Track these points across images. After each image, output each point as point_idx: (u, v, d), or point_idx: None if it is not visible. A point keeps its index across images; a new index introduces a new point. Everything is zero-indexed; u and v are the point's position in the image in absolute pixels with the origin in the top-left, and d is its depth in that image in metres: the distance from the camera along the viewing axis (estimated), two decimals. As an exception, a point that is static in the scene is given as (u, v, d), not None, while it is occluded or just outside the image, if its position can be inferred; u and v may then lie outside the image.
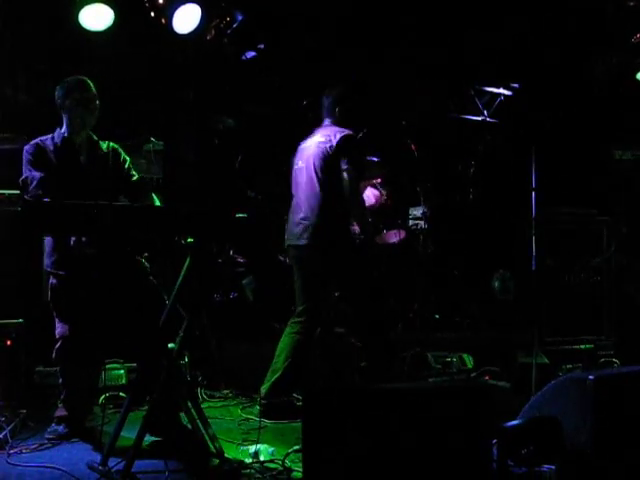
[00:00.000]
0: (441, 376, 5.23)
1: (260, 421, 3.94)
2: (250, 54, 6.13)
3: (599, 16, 5.85)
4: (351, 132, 4.47)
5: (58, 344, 3.86)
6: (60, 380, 3.94)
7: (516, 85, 6.93)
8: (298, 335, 4.38)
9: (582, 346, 5.65)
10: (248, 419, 4.30)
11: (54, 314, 3.87)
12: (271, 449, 3.42)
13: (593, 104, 6.45)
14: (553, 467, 2.92)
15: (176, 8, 5.04)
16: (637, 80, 6.13)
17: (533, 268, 4.83)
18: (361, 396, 2.84)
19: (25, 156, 3.77)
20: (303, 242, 4.44)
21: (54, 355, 3.89)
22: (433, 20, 6.11)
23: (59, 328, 3.84)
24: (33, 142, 3.84)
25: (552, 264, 5.36)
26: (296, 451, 3.32)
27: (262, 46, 6.08)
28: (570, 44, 6.10)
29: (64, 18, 4.99)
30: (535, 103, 6.63)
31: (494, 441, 2.91)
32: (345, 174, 4.36)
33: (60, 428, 3.83)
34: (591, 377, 2.97)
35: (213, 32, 5.72)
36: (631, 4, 5.77)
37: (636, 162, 5.95)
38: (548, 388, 3.18)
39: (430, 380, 5.08)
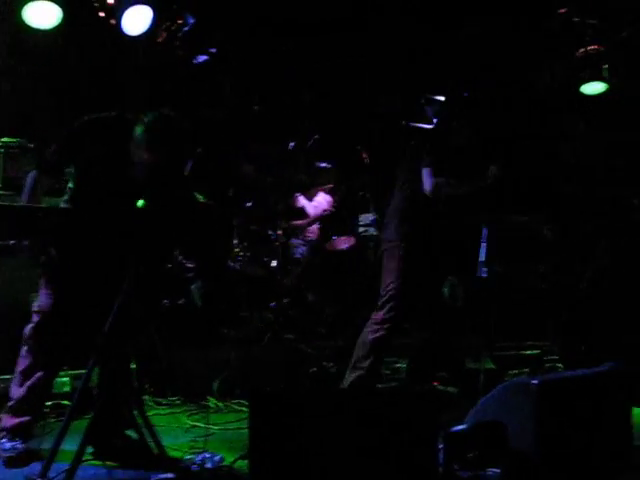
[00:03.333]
0: (390, 382, 5.26)
1: (207, 428, 3.90)
2: (202, 58, 6.09)
3: (547, 30, 5.98)
4: None
5: (34, 322, 3.47)
6: (16, 379, 3.51)
7: (466, 94, 7.01)
8: None
9: (529, 352, 5.76)
10: (195, 426, 4.24)
11: (41, 281, 3.52)
12: (218, 456, 3.38)
13: (540, 114, 6.59)
14: (498, 470, 2.96)
15: (126, 9, 4.96)
16: (581, 93, 6.28)
17: (481, 275, 4.90)
18: (308, 401, 2.84)
19: None
20: None
21: (25, 335, 3.50)
22: (385, 29, 6.15)
23: (42, 298, 3.46)
24: None
25: (500, 270, 5.43)
26: (243, 457, 3.29)
27: (214, 50, 6.04)
28: (519, 56, 6.22)
29: (8, 14, 4.88)
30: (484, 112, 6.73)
31: (441, 445, 2.94)
32: None
33: (17, 444, 3.42)
34: (535, 382, 3.02)
35: (164, 35, 5.66)
36: (576, 19, 5.91)
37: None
38: (493, 393, 3.21)
39: (379, 386, 5.09)
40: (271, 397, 2.82)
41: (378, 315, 4.55)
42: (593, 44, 6.04)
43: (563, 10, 5.77)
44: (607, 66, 6.11)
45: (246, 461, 3.03)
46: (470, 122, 4.87)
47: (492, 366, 5.02)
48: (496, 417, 3.07)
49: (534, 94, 6.55)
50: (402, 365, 5.49)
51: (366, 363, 4.47)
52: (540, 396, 2.97)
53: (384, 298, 4.55)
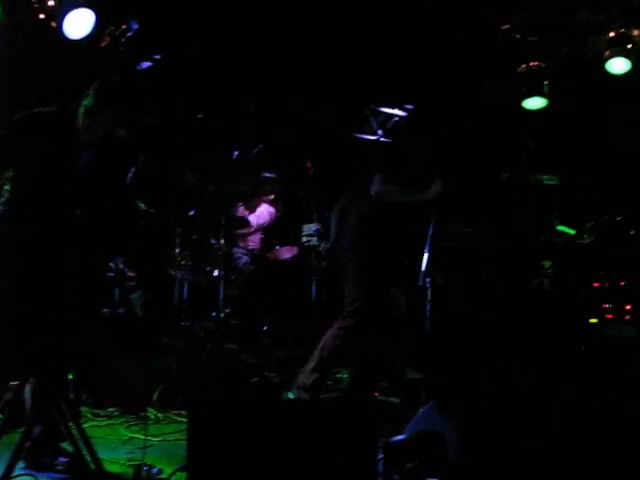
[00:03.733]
0: (332, 392, 5.26)
1: (146, 440, 3.82)
2: (145, 64, 6.01)
3: (489, 45, 6.10)
4: None
5: None
6: None
7: (410, 106, 7.10)
8: None
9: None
10: (134, 438, 4.16)
11: None
12: (156, 469, 3.32)
13: (483, 127, 6.70)
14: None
15: (67, 12, 4.87)
16: (522, 107, 6.42)
17: (423, 285, 4.94)
18: (248, 410, 2.82)
19: None
20: None
21: None
22: (330, 40, 6.18)
23: None
24: None
25: (441, 281, 5.49)
26: (181, 469, 3.24)
27: (158, 57, 5.97)
28: (463, 70, 6.32)
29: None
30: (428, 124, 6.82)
31: (380, 456, 2.95)
32: None
33: None
34: (473, 392, 3.07)
35: (108, 39, 5.57)
36: (517, 36, 6.05)
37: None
38: (432, 403, 3.25)
39: (321, 396, 5.09)
40: (210, 408, 2.79)
41: (343, 322, 4.61)
42: (534, 60, 6.19)
43: (505, 27, 5.89)
44: (547, 82, 6.27)
45: (184, 473, 2.99)
46: (431, 136, 4.98)
47: (432, 376, 5.05)
48: (435, 427, 3.10)
49: (478, 109, 6.67)
50: (344, 375, 5.50)
51: (324, 367, 4.60)
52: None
53: (350, 307, 4.61)
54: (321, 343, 4.68)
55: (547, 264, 5.44)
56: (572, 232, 5.55)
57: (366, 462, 2.83)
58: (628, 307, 6.22)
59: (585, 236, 5.54)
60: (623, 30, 5.96)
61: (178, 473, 3.29)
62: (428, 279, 4.98)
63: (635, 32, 5.98)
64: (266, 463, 2.70)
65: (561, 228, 5.56)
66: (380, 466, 2.94)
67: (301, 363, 5.35)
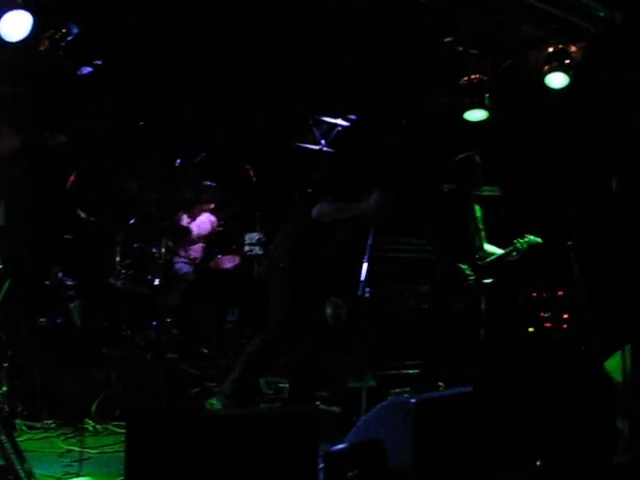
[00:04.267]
0: (273, 402, 5.24)
1: (82, 452, 3.74)
2: (86, 69, 5.91)
3: (432, 57, 6.19)
4: None
5: None
6: None
7: (353, 117, 7.15)
8: None
9: (410, 371, 5.89)
10: (71, 450, 4.07)
11: None
12: (93, 482, 3.26)
13: (426, 139, 6.79)
14: (376, 488, 3.00)
15: (4, 13, 4.76)
16: (464, 119, 6.53)
17: (365, 295, 4.97)
18: (189, 422, 2.79)
19: None
20: None
21: None
22: (274, 51, 6.18)
23: None
24: None
25: (382, 291, 5.55)
26: (120, 483, 3.19)
27: (99, 62, 5.88)
28: (405, 82, 6.40)
29: None
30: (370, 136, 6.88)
31: (321, 465, 2.94)
32: None
33: None
34: (413, 401, 3.10)
35: (47, 43, 5.46)
36: (460, 49, 6.15)
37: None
38: (373, 412, 3.26)
39: (262, 406, 5.07)
40: (149, 419, 2.75)
41: (265, 335, 4.62)
42: (476, 73, 6.30)
43: (448, 39, 5.98)
44: (488, 95, 6.39)
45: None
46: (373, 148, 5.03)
47: (374, 384, 5.08)
48: (376, 436, 3.11)
49: (421, 121, 6.76)
50: (285, 385, 5.48)
51: (246, 376, 4.63)
52: (417, 415, 3.04)
53: (273, 321, 4.62)
54: (244, 353, 4.72)
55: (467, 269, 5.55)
56: (539, 241, 5.67)
57: (306, 472, 2.84)
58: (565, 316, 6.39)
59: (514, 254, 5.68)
60: (561, 46, 6.14)
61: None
62: (368, 289, 5.03)
63: (573, 48, 6.15)
64: (207, 475, 2.67)
65: (530, 238, 5.66)
66: (321, 476, 2.93)
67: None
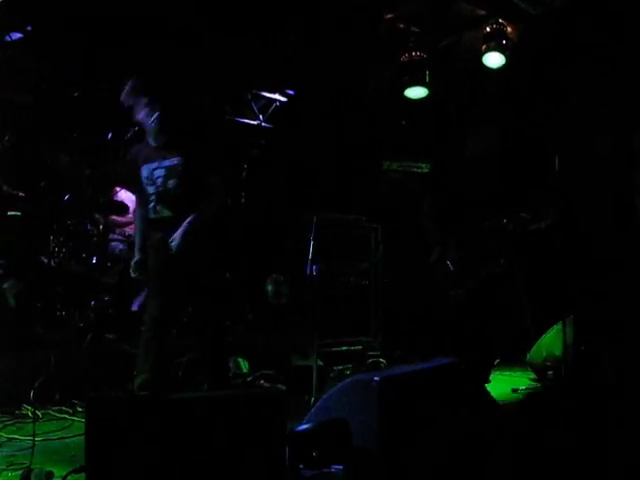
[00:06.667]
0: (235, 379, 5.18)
1: (34, 442, 3.53)
2: (16, 35, 5.59)
3: (373, 35, 6.16)
4: None
5: None
6: None
7: (291, 92, 7.08)
8: None
9: (352, 347, 5.91)
10: (13, 439, 3.86)
11: None
12: (45, 472, 3.10)
13: (365, 117, 6.79)
14: (341, 467, 2.98)
15: None
16: (405, 96, 6.55)
17: (307, 272, 4.95)
18: (150, 407, 2.70)
19: None
20: None
21: None
22: (214, 26, 6.02)
23: None
24: None
25: (324, 268, 5.53)
26: (77, 471, 3.04)
27: (30, 28, 5.56)
28: (347, 59, 6.35)
29: None
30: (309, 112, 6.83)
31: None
32: None
33: None
34: (376, 378, 3.07)
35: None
36: (401, 26, 6.15)
37: (403, 172, 6.36)
38: (335, 390, 3.23)
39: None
40: (111, 406, 2.64)
41: (148, 333, 4.38)
42: (416, 50, 6.31)
43: (389, 16, 5.97)
44: (428, 72, 6.42)
45: (81, 474, 2.82)
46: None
47: (320, 363, 5.07)
48: (339, 414, 3.09)
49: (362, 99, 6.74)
50: (229, 364, 5.40)
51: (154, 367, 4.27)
52: (381, 392, 3.03)
53: (150, 319, 4.41)
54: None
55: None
56: None
57: (272, 453, 2.80)
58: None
59: None
60: (497, 26, 6.21)
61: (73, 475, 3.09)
62: (314, 266, 5.00)
63: (509, 28, 6.24)
64: (170, 458, 2.60)
65: None
66: (287, 456, 2.90)
67: (183, 352, 5.23)
